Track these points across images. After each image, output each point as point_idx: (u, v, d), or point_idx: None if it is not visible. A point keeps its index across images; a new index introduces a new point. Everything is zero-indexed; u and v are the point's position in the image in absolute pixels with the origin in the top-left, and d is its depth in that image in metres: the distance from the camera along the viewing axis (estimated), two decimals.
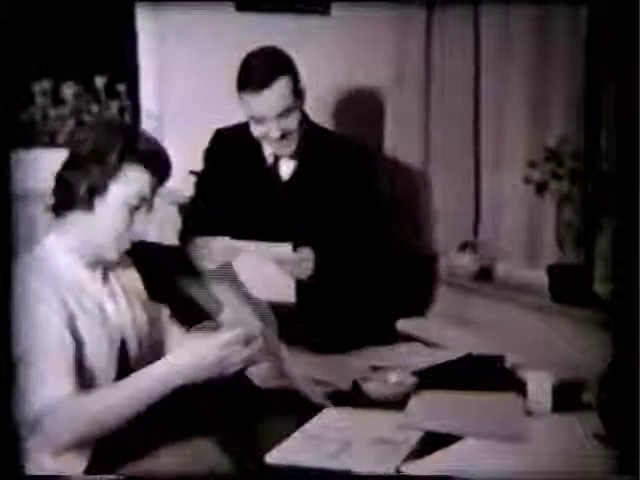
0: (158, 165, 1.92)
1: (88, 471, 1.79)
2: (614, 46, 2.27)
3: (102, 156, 1.85)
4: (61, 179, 1.89)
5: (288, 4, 3.30)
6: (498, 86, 3.09)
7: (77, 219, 1.89)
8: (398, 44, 3.39)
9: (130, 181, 1.87)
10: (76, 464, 1.79)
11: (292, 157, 2.65)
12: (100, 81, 3.20)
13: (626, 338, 1.81)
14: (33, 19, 2.93)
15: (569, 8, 2.73)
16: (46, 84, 3.14)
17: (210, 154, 2.76)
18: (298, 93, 2.58)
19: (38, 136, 3.13)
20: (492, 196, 3.17)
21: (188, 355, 1.83)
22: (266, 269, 2.49)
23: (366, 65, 3.36)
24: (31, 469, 1.78)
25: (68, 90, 3.16)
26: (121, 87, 3.23)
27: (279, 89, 2.51)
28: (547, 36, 2.85)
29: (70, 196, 1.87)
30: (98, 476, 1.78)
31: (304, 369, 2.32)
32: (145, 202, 1.91)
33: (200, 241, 2.55)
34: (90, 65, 3.18)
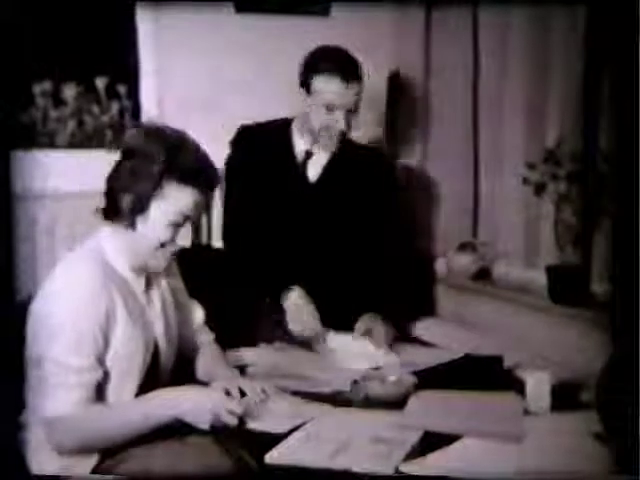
0: (202, 181, 1.86)
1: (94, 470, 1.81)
2: (613, 46, 2.28)
3: (147, 168, 1.81)
4: (110, 185, 1.86)
5: (288, 4, 3.30)
6: (497, 87, 3.10)
7: (122, 230, 1.87)
8: (398, 44, 3.40)
9: (171, 200, 1.83)
10: (84, 463, 1.81)
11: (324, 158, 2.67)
12: (101, 82, 3.20)
13: (625, 338, 1.82)
14: (33, 19, 2.94)
15: (568, 8, 2.73)
16: (47, 85, 3.14)
17: (236, 147, 2.74)
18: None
19: (38, 137, 3.13)
20: (491, 197, 3.17)
21: (191, 400, 1.82)
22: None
23: (366, 65, 3.36)
24: (34, 468, 1.80)
25: (69, 91, 3.16)
26: (121, 88, 3.23)
27: (358, 88, 2.60)
28: (546, 36, 2.85)
29: (115, 207, 1.84)
30: (98, 476, 1.79)
31: (304, 367, 2.34)
32: (188, 218, 1.87)
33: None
34: (91, 66, 3.18)
